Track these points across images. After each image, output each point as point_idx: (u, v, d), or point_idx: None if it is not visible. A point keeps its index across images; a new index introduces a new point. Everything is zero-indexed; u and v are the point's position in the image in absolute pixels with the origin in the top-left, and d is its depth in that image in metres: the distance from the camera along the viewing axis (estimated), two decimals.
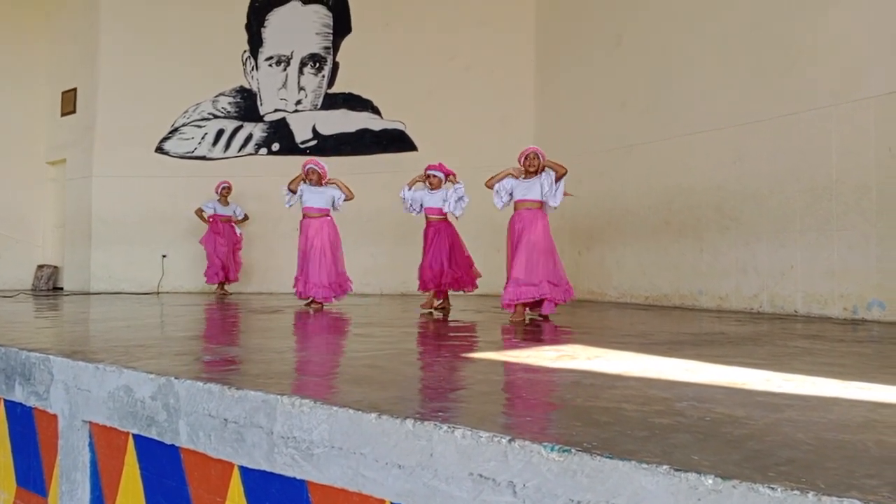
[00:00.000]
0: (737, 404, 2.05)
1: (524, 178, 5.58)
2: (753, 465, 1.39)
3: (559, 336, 4.40)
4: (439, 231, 6.56)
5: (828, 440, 1.62)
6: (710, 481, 1.29)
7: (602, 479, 1.42)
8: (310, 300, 6.73)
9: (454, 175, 6.55)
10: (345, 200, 6.90)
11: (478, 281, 6.80)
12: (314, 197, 6.82)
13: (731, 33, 6.95)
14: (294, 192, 6.88)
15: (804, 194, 6.15)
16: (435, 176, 6.55)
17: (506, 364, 2.94)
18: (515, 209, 5.60)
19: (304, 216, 6.87)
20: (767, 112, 6.49)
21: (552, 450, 1.50)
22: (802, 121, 6.17)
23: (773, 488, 1.23)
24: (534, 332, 4.62)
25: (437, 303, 6.58)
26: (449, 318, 5.83)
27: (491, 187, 5.66)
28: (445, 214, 6.57)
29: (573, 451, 1.48)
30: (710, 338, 4.20)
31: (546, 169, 5.51)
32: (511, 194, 5.60)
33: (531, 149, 5.59)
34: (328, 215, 6.89)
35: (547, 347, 3.57)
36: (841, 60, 5.95)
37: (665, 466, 1.35)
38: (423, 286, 6.59)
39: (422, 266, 6.60)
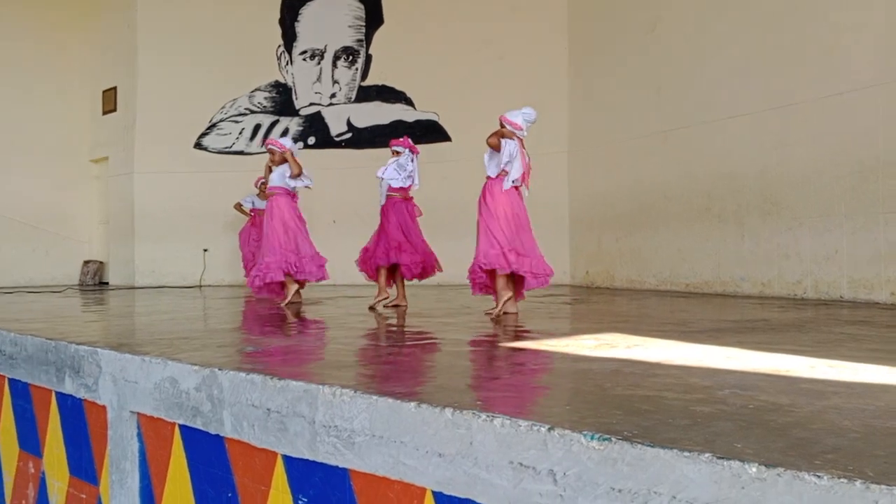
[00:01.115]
0: (780, 392, 2.02)
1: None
2: (798, 453, 1.37)
3: (598, 324, 4.37)
4: (398, 206, 6.00)
5: (876, 428, 1.59)
6: (754, 469, 1.28)
7: (643, 467, 1.41)
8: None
9: (417, 153, 6.15)
10: (290, 177, 6.44)
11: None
12: (273, 175, 6.58)
13: (770, 12, 6.79)
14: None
15: (849, 177, 6.00)
16: (397, 152, 6.09)
17: (544, 353, 2.93)
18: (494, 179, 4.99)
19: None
20: (810, 93, 6.34)
21: (592, 438, 1.50)
22: (846, 101, 6.01)
23: (819, 476, 1.21)
24: (571, 320, 4.60)
25: (388, 298, 5.86)
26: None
27: (497, 146, 4.95)
28: (406, 190, 6.07)
29: (613, 439, 1.47)
30: (753, 325, 4.14)
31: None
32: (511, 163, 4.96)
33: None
34: (286, 193, 6.49)
35: (585, 336, 3.55)
36: (886, 38, 5.78)
37: (707, 454, 1.34)
38: (375, 263, 5.87)
39: (375, 242, 5.95)
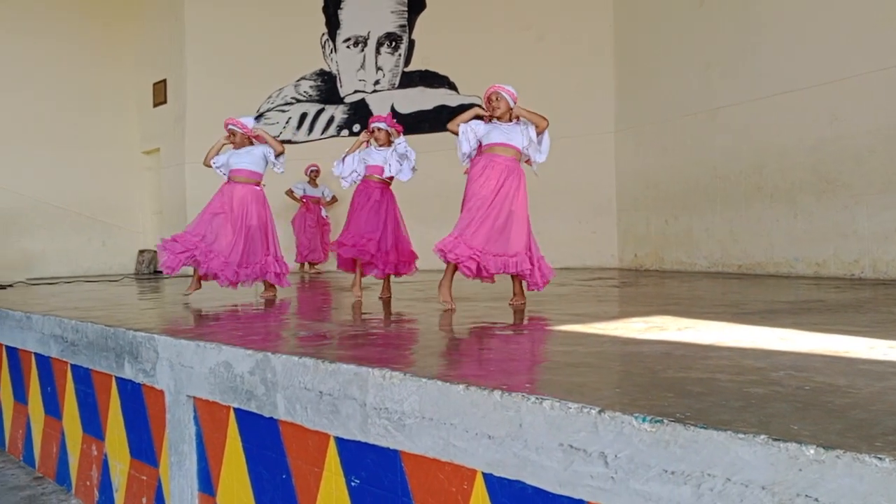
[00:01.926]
0: (838, 373, 1.97)
1: (499, 122, 4.50)
2: (858, 434, 1.34)
3: (647, 307, 4.32)
4: (383, 193, 5.29)
5: None
6: (812, 451, 1.25)
7: (696, 449, 1.40)
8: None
9: (400, 131, 5.39)
10: (276, 157, 5.78)
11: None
12: (246, 159, 5.79)
13: None
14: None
15: None
16: (379, 129, 5.33)
17: (592, 336, 2.92)
18: (484, 153, 4.44)
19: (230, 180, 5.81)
20: (866, 65, 6.12)
21: (644, 420, 1.48)
22: None
23: (880, 458, 1.18)
24: (619, 303, 4.56)
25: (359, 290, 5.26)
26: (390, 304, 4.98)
27: (455, 131, 4.50)
28: (389, 179, 5.36)
29: (666, 421, 1.46)
30: (808, 305, 4.04)
31: (522, 120, 4.48)
32: (480, 140, 4.47)
33: (493, 88, 4.55)
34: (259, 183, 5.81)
35: (635, 319, 3.51)
36: None
37: (763, 436, 1.32)
38: (350, 255, 5.23)
39: (348, 230, 5.24)
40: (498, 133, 4.44)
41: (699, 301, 4.64)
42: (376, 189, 5.30)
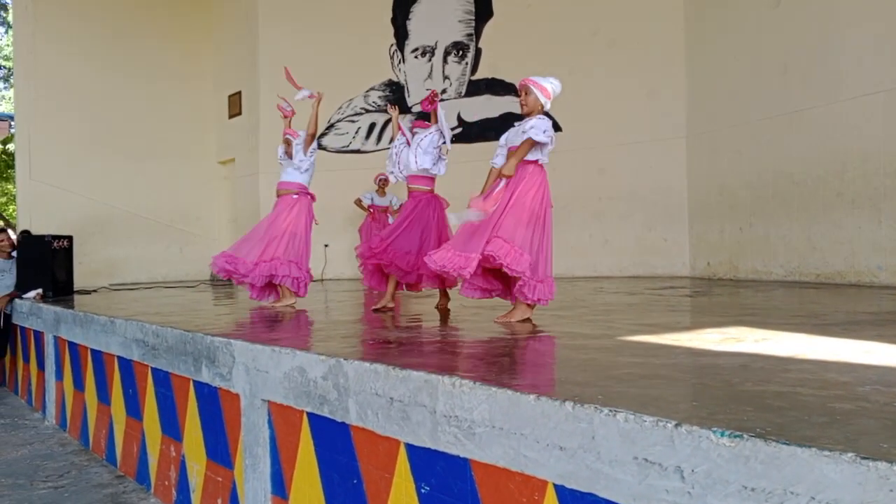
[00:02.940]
0: None
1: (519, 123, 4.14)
2: None
3: (722, 317, 4.20)
4: (421, 203, 5.05)
5: None
6: None
7: (778, 465, 1.35)
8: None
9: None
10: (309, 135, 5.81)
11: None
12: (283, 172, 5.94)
13: None
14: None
15: None
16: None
17: (666, 347, 2.85)
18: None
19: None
20: None
21: (722, 435, 1.45)
22: None
23: None
24: (692, 313, 4.45)
25: (388, 303, 4.94)
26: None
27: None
28: (431, 182, 5.15)
29: (745, 436, 1.41)
30: (893, 317, 3.85)
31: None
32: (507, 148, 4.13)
33: (523, 80, 4.12)
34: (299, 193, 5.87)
35: (709, 330, 3.42)
36: None
37: (850, 454, 1.26)
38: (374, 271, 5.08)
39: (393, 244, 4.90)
40: (510, 137, 4.12)
41: (776, 311, 4.49)
42: (413, 198, 5.12)
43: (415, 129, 5.26)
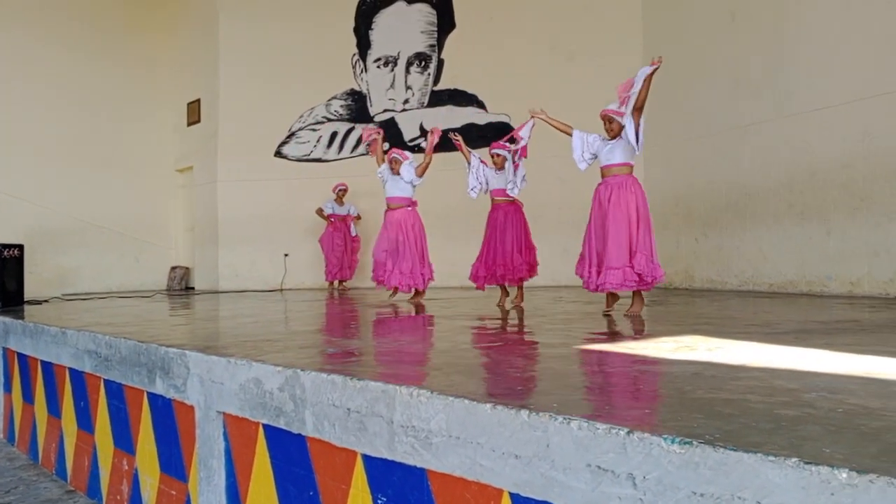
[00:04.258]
0: (872, 395, 1.93)
1: (605, 139, 4.98)
2: (892, 458, 1.31)
3: (677, 326, 4.27)
4: (508, 214, 6.20)
5: None
6: (845, 475, 1.23)
7: (726, 471, 1.38)
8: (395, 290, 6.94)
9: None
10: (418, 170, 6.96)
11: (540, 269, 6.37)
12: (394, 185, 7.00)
13: (853, 0, 6.51)
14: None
15: None
16: (500, 155, 6.19)
17: (620, 356, 2.89)
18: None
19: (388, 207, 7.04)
20: None
21: (673, 442, 1.47)
22: None
23: None
24: (648, 322, 4.52)
25: (508, 302, 6.17)
26: (524, 311, 5.61)
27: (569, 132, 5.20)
28: (513, 197, 6.20)
29: (695, 442, 1.44)
30: (842, 326, 3.96)
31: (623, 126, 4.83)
32: (595, 155, 5.02)
33: (603, 112, 4.98)
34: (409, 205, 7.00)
35: (664, 338, 3.48)
36: None
37: (794, 459, 1.30)
38: (479, 281, 6.32)
39: (478, 258, 6.33)
40: (603, 154, 5.08)
41: (730, 320, 4.58)
42: (499, 211, 6.25)
43: (494, 151, 6.26)
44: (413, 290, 6.87)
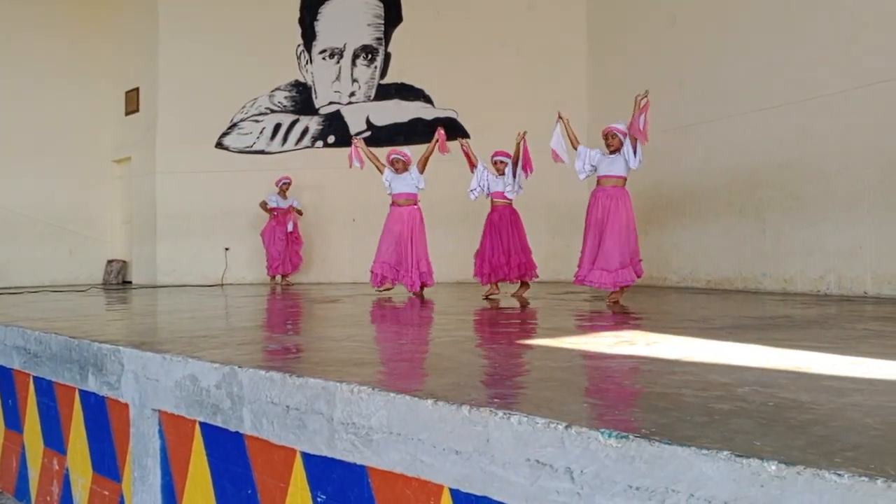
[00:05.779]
0: (801, 389, 2.00)
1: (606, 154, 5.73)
2: (819, 450, 1.35)
3: (617, 322, 4.35)
4: (504, 217, 6.65)
5: None
6: (774, 467, 1.26)
7: (661, 465, 1.40)
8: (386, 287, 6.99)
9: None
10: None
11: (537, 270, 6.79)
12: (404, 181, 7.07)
13: (793, 5, 6.71)
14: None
15: (874, 171, 5.92)
16: (502, 162, 6.64)
17: (563, 350, 2.92)
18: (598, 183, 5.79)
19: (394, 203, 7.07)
20: (834, 86, 6.26)
21: (609, 436, 1.49)
22: (871, 94, 5.93)
23: (839, 475, 1.20)
24: (592, 318, 4.58)
25: (496, 293, 6.61)
26: (525, 305, 5.75)
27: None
28: (510, 199, 6.70)
29: (631, 437, 1.46)
30: (774, 321, 4.09)
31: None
32: (594, 167, 5.77)
33: (607, 129, 5.76)
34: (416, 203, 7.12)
35: (605, 334, 3.53)
36: None
37: (726, 452, 1.33)
38: (483, 278, 6.69)
39: (480, 255, 6.67)
40: (603, 165, 5.85)
41: (668, 316, 4.68)
42: (496, 212, 6.70)
43: (497, 158, 6.65)
44: (421, 286, 6.91)
